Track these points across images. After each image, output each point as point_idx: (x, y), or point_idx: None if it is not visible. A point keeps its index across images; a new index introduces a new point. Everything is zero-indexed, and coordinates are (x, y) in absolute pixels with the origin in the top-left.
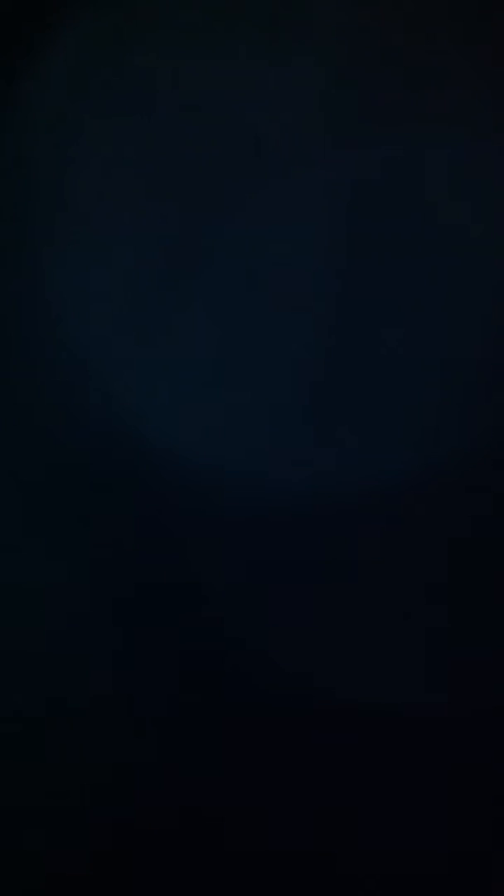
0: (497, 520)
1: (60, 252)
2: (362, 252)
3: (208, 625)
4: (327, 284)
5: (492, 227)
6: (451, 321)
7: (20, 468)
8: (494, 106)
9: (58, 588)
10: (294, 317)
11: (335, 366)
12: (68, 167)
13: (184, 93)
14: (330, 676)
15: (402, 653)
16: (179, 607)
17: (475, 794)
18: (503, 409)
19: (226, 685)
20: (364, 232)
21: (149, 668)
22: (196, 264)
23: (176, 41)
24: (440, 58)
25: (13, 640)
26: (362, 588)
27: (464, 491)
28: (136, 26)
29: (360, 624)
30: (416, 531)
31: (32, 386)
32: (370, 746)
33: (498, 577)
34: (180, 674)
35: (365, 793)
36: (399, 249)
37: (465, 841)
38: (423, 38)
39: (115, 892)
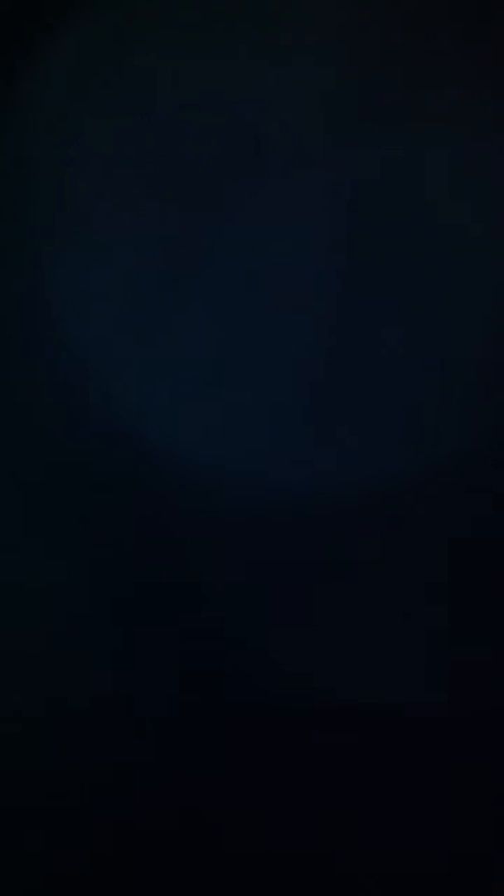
0: (497, 520)
1: (60, 252)
2: (362, 252)
3: (208, 625)
4: (327, 284)
5: (492, 227)
6: (451, 321)
7: (20, 468)
8: (494, 106)
9: (58, 588)
10: (294, 317)
11: (335, 366)
12: (68, 167)
13: (184, 93)
14: (330, 676)
15: (402, 653)
16: (179, 607)
17: (475, 794)
18: (503, 409)
19: (226, 685)
20: (364, 232)
21: (149, 668)
22: (196, 264)
23: (176, 41)
24: (440, 58)
25: (13, 640)
26: (362, 588)
27: (464, 491)
28: (136, 26)
29: (360, 624)
30: (416, 531)
31: (32, 386)
32: (370, 746)
33: (498, 577)
34: (180, 674)
35: (365, 793)
36: (399, 249)
37: (465, 841)
38: (423, 38)
39: (115, 892)
